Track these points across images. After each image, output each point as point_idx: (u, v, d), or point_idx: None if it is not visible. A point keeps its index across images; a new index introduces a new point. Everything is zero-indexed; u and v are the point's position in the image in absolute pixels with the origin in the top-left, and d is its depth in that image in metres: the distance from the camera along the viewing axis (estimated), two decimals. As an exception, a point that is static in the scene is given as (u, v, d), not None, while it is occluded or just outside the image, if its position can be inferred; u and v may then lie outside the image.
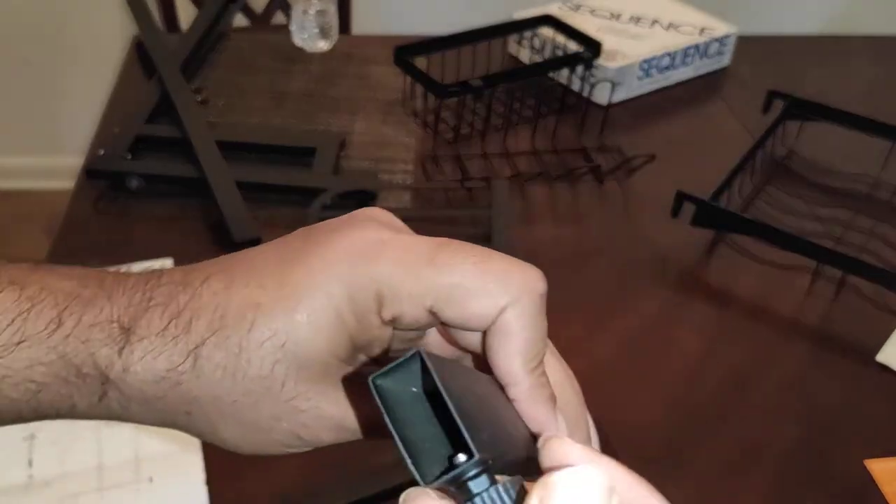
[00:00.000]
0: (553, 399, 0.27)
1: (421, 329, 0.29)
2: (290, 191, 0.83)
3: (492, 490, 0.22)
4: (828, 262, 0.74)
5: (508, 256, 0.27)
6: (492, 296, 0.26)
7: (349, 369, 0.28)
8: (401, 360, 0.23)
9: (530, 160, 0.91)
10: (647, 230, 0.82)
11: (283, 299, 0.26)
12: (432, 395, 0.23)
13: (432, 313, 0.26)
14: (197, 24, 1.11)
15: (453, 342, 0.29)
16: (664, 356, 0.68)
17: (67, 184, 0.85)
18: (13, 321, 0.27)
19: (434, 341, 0.30)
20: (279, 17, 1.57)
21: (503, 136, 0.94)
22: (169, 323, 0.27)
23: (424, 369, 0.22)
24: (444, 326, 0.28)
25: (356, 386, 0.27)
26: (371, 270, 0.26)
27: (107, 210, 0.80)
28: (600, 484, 0.19)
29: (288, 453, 0.29)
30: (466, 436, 0.21)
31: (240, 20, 1.52)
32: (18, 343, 0.27)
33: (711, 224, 0.78)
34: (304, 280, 0.27)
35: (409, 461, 0.22)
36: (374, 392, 0.22)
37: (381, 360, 0.28)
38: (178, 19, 1.49)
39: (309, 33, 1.09)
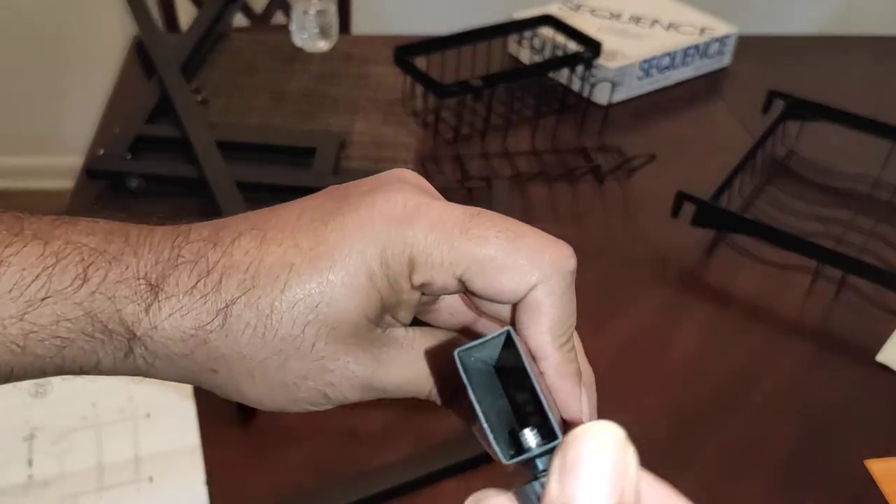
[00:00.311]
0: (579, 374, 0.28)
1: (446, 293, 0.29)
2: (290, 191, 0.82)
3: None
4: (828, 262, 0.74)
5: (540, 231, 0.27)
6: (523, 272, 0.26)
7: (378, 331, 0.28)
8: (490, 337, 0.23)
9: (530, 160, 0.91)
10: (647, 230, 0.82)
11: (318, 259, 0.26)
12: (501, 371, 0.24)
13: (461, 282, 0.27)
14: (197, 24, 1.11)
15: (475, 309, 0.29)
16: (664, 356, 0.68)
17: (67, 183, 0.85)
18: (38, 276, 0.26)
19: (451, 305, 0.30)
20: (279, 17, 1.57)
21: (503, 136, 0.94)
22: (198, 281, 0.27)
23: (506, 346, 0.23)
24: (471, 296, 0.28)
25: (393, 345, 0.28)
26: (405, 235, 0.26)
27: (107, 210, 0.80)
28: (616, 434, 0.19)
29: (310, 410, 0.29)
30: (550, 416, 0.22)
31: (240, 20, 1.52)
32: (44, 299, 0.26)
33: (711, 224, 0.78)
34: (339, 241, 0.27)
35: (491, 437, 0.22)
36: (459, 366, 0.22)
37: (404, 321, 0.29)
38: (178, 19, 1.49)
39: (309, 33, 1.09)
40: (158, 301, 0.27)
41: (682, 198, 0.78)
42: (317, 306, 0.26)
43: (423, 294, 0.28)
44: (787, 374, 0.67)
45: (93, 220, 0.29)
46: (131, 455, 0.56)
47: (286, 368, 0.27)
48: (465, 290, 0.27)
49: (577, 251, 0.83)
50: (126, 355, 0.27)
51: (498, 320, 0.29)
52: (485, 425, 0.22)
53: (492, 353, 0.23)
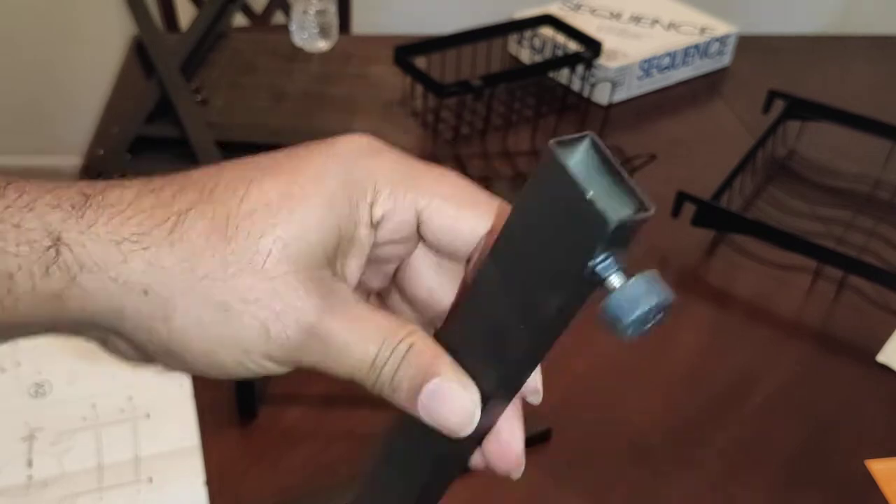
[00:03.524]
0: None
1: (401, 241, 0.27)
2: (289, 191, 0.83)
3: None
4: (828, 263, 0.74)
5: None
6: (482, 214, 0.26)
7: (328, 272, 0.25)
8: (576, 136, 0.23)
9: (530, 160, 0.91)
10: (647, 230, 0.81)
11: (280, 174, 0.25)
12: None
13: (420, 222, 0.26)
14: (196, 23, 1.11)
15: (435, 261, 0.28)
16: (665, 356, 0.68)
17: (67, 183, 0.85)
18: None
19: (417, 270, 0.29)
20: (279, 17, 1.57)
21: (503, 136, 0.94)
22: (145, 194, 0.24)
23: (591, 148, 0.23)
24: (424, 243, 0.27)
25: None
26: (371, 163, 0.26)
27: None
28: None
29: (239, 373, 0.25)
30: (637, 190, 0.22)
31: (239, 20, 1.52)
32: None
33: (712, 224, 0.78)
34: (303, 162, 0.26)
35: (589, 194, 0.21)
36: (556, 154, 0.22)
37: (353, 273, 0.27)
38: (177, 19, 1.50)
39: (309, 33, 1.09)
40: (92, 208, 0.24)
41: (682, 198, 0.78)
42: (275, 217, 0.24)
43: (377, 241, 0.27)
44: (787, 374, 0.67)
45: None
46: (131, 455, 0.56)
47: (233, 286, 0.24)
48: (418, 239, 0.27)
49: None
50: (47, 270, 0.23)
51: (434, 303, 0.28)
52: (584, 189, 0.22)
53: (572, 155, 0.23)
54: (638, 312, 0.22)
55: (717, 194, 0.79)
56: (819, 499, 0.58)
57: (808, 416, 0.64)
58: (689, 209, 0.78)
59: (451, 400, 0.24)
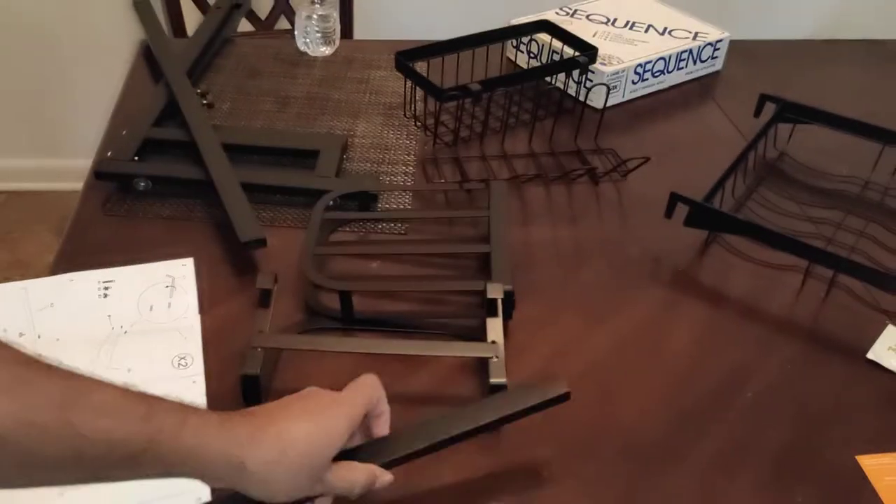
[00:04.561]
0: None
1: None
2: (294, 192, 0.84)
3: None
4: (819, 262, 0.75)
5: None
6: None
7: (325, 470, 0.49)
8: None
9: (528, 162, 0.93)
10: (641, 231, 0.83)
11: (315, 416, 0.49)
12: None
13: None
14: (202, 29, 1.13)
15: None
16: (658, 354, 0.69)
17: (76, 185, 0.86)
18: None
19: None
20: (283, 23, 1.59)
21: (501, 139, 0.96)
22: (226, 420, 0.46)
23: None
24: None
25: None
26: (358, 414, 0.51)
27: (114, 211, 0.82)
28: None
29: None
30: None
31: (244, 25, 1.54)
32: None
33: (704, 225, 0.79)
34: (330, 409, 0.49)
35: None
36: None
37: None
38: (184, 25, 1.51)
39: (312, 38, 1.11)
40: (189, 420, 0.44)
41: (675, 199, 0.79)
42: (314, 441, 0.47)
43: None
44: (778, 371, 0.68)
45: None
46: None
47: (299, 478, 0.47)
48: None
49: (574, 251, 0.85)
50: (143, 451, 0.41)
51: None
52: None
53: None
54: None
55: (710, 195, 0.81)
56: (810, 494, 0.58)
57: (800, 412, 0.64)
58: (682, 210, 0.79)
59: (384, 483, 0.52)
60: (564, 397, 0.56)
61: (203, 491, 0.51)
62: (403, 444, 0.52)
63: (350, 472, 0.49)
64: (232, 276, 0.74)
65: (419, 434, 0.53)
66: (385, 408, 0.53)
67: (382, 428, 0.53)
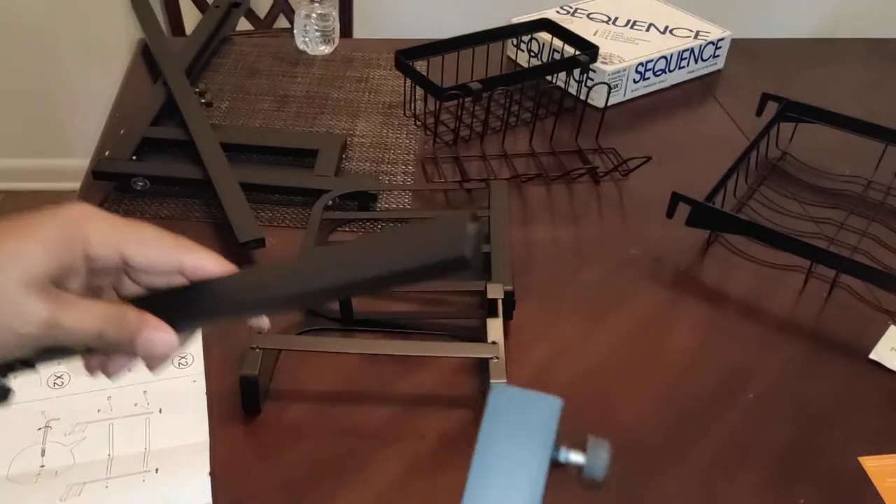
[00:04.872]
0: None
1: (112, 271, 0.40)
2: (293, 192, 0.84)
3: None
4: (821, 262, 0.75)
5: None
6: (167, 248, 0.40)
7: (53, 288, 0.36)
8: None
9: (528, 162, 0.92)
10: (642, 230, 0.83)
11: (18, 230, 0.37)
12: None
13: (124, 258, 0.39)
14: (201, 28, 1.12)
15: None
16: (659, 354, 0.69)
17: (74, 185, 0.86)
18: None
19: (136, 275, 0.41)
20: (282, 22, 1.59)
21: (502, 138, 0.96)
22: None
23: None
24: (131, 270, 0.40)
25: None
26: (84, 224, 0.38)
27: (113, 210, 0.81)
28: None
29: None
30: None
31: (243, 24, 1.54)
32: None
33: (706, 224, 0.79)
34: (37, 222, 0.38)
35: None
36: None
37: (77, 288, 0.38)
38: (183, 24, 1.51)
39: (311, 37, 1.11)
40: None
41: (677, 199, 0.79)
42: (10, 261, 0.35)
43: (94, 270, 0.39)
44: (780, 371, 0.68)
45: None
46: (141, 448, 0.58)
47: None
48: (126, 265, 0.39)
49: (575, 251, 0.84)
50: None
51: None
52: None
53: None
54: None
55: (712, 195, 0.80)
56: (811, 495, 0.58)
57: (801, 412, 0.64)
58: (683, 210, 0.79)
59: (155, 342, 0.39)
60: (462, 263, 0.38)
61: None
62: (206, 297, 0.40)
63: (76, 310, 0.37)
64: (230, 276, 0.74)
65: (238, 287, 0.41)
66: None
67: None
